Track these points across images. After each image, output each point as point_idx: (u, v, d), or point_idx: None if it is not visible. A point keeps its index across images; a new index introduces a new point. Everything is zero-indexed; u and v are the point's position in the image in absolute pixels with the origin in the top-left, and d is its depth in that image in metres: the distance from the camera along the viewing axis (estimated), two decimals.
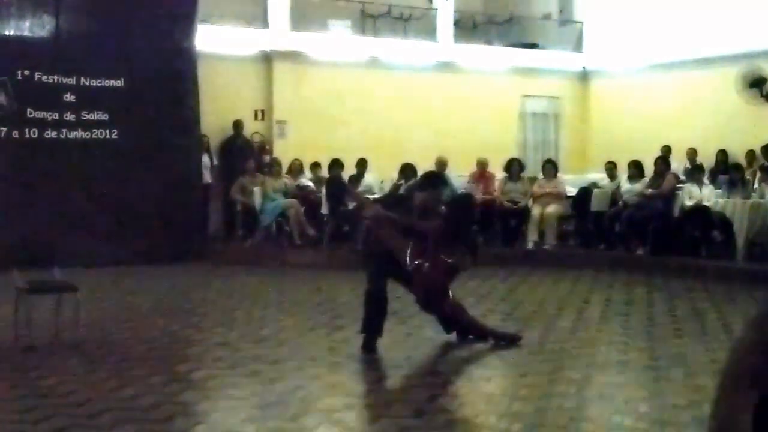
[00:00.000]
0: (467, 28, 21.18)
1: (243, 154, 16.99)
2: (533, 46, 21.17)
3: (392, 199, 9.03)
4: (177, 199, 15.58)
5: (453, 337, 8.94)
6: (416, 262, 8.23)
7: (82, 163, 14.85)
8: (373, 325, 8.48)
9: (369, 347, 8.40)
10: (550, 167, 16.48)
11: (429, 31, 20.04)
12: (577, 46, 21.54)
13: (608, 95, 20.87)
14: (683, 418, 6.23)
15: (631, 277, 13.64)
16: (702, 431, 5.97)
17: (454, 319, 8.80)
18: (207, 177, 16.73)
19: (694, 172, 15.67)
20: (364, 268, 8.91)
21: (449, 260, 8.41)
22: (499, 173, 16.67)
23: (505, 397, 7.20)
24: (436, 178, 8.81)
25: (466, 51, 20.15)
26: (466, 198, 9.15)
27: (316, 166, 16.90)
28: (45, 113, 14.67)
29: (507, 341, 8.77)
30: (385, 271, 8.57)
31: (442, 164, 16.02)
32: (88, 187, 14.82)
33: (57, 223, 14.32)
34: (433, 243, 8.32)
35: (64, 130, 14.81)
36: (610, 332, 9.64)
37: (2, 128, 14.37)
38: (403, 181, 15.44)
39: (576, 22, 21.70)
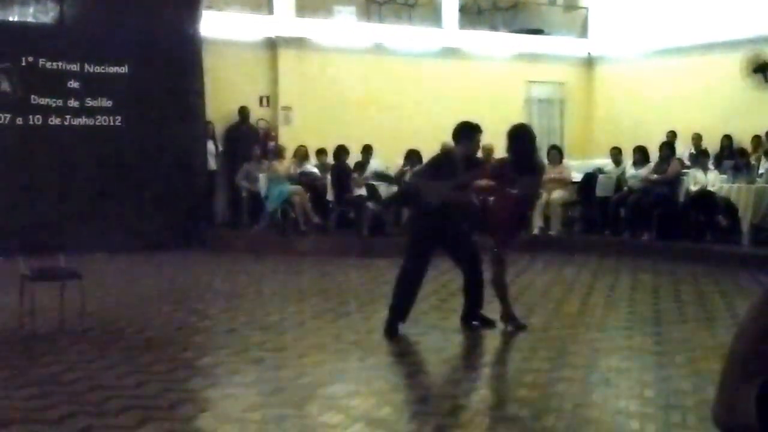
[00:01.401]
0: (472, 13, 21.10)
1: (248, 140, 16.95)
2: (538, 31, 21.07)
3: (433, 169, 9.05)
4: (182, 185, 15.59)
5: (458, 323, 8.94)
6: (481, 197, 8.42)
7: (86, 150, 14.83)
8: (400, 308, 8.49)
9: (391, 331, 8.40)
10: (556, 153, 16.43)
11: (434, 17, 19.97)
12: (583, 31, 21.45)
13: (613, 81, 20.79)
14: (688, 402, 6.23)
15: (637, 262, 13.63)
16: (707, 416, 5.98)
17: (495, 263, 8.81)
18: (212, 164, 16.71)
19: (699, 157, 15.65)
20: (405, 247, 8.92)
21: (514, 191, 8.52)
22: None
23: (510, 382, 7.20)
24: (468, 128, 8.87)
25: (471, 37, 20.07)
26: (522, 128, 9.27)
27: (321, 152, 16.84)
28: (49, 100, 14.66)
29: (514, 327, 8.75)
30: (428, 251, 8.59)
31: (447, 150, 15.98)
32: (93, 174, 14.81)
33: (61, 210, 14.33)
34: (497, 179, 8.54)
35: (68, 117, 14.81)
36: (616, 317, 9.64)
37: (6, 115, 14.39)
38: (408, 167, 15.43)
39: (581, 7, 21.61)
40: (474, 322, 8.92)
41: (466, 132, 8.81)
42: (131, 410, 5.99)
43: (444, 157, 9.09)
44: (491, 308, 9.20)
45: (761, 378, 1.63)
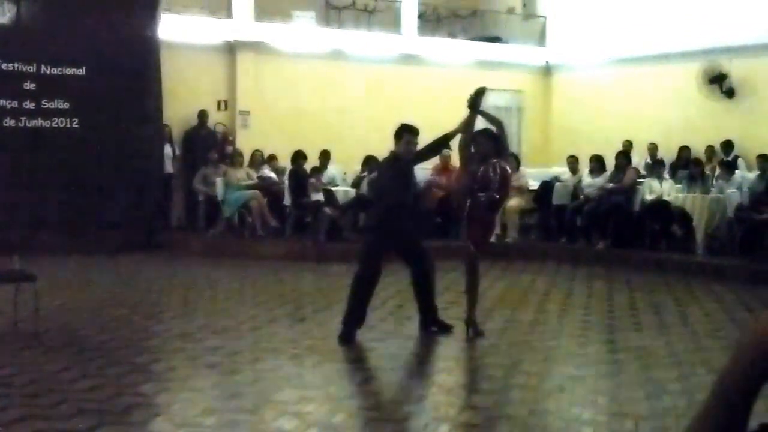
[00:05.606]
0: (431, 21, 21.18)
1: (206, 144, 16.89)
2: (497, 39, 21.20)
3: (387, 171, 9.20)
4: (138, 189, 15.47)
5: (414, 330, 8.95)
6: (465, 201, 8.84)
7: (42, 151, 14.68)
8: (355, 316, 8.49)
9: (347, 337, 8.39)
10: (513, 161, 16.46)
11: (393, 23, 20.01)
12: (540, 40, 21.61)
13: (571, 90, 20.96)
14: (641, 410, 6.28)
15: (592, 270, 13.73)
16: (660, 425, 6.03)
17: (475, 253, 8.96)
18: (169, 167, 16.62)
19: (655, 166, 15.80)
20: (361, 249, 8.96)
21: (482, 199, 8.73)
22: None
23: (465, 389, 7.23)
24: (400, 129, 9.04)
25: (430, 44, 20.15)
26: (488, 132, 9.40)
27: (272, 158, 16.80)
28: (4, 101, 14.52)
29: (474, 333, 8.75)
30: (383, 252, 8.66)
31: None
32: (48, 176, 14.67)
33: (16, 211, 14.18)
34: (468, 186, 8.91)
35: (23, 119, 14.66)
36: (570, 325, 9.69)
37: None
38: (366, 173, 15.43)
39: (539, 16, 21.77)
40: (432, 328, 8.93)
41: (398, 132, 8.90)
42: (84, 414, 5.93)
43: (392, 158, 9.12)
44: (449, 314, 9.25)
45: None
